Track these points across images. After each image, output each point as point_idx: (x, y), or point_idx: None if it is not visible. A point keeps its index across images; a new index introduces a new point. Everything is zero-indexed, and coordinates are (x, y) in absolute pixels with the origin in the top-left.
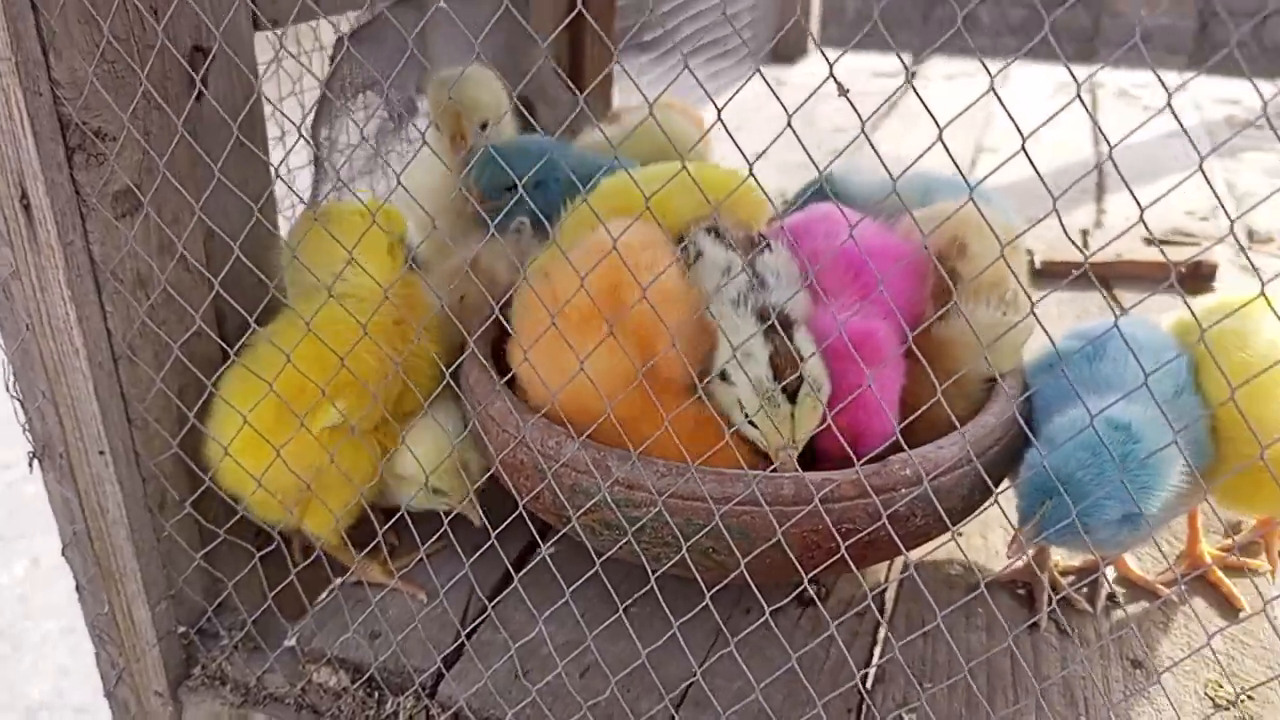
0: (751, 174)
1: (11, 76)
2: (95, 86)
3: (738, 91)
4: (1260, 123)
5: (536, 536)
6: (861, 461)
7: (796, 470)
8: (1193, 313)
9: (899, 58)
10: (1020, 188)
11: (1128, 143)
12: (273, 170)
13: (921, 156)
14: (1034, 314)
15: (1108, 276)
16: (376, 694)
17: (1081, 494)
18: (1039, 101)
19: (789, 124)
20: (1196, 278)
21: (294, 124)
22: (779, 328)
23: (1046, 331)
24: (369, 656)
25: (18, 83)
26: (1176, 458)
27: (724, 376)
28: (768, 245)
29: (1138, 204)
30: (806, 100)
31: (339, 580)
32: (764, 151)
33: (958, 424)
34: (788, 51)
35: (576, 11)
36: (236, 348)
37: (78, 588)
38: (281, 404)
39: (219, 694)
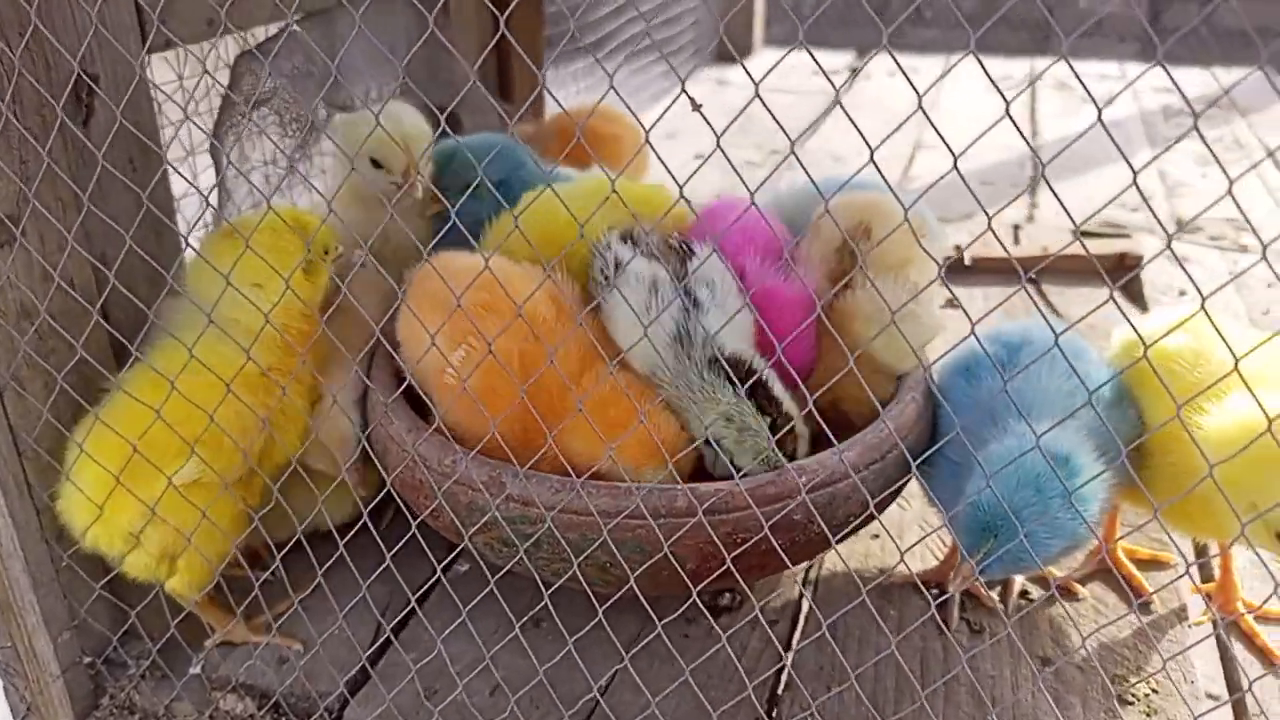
0: (682, 196)
1: None
2: None
3: (665, 111)
4: (1197, 111)
5: (433, 559)
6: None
7: None
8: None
9: (855, 53)
10: (954, 185)
11: (1062, 135)
12: (142, 199)
13: (855, 175)
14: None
15: (1036, 271)
16: (283, 719)
17: (1013, 531)
18: (979, 94)
19: (718, 144)
20: (1122, 269)
21: (160, 152)
22: (757, 388)
23: (970, 335)
24: (275, 683)
25: None
26: (1105, 480)
27: (708, 442)
28: (690, 251)
29: (1071, 218)
30: (737, 116)
31: (208, 642)
32: (691, 175)
33: (868, 411)
34: (734, 50)
35: (500, 34)
36: (97, 398)
37: None
38: (135, 458)
39: None
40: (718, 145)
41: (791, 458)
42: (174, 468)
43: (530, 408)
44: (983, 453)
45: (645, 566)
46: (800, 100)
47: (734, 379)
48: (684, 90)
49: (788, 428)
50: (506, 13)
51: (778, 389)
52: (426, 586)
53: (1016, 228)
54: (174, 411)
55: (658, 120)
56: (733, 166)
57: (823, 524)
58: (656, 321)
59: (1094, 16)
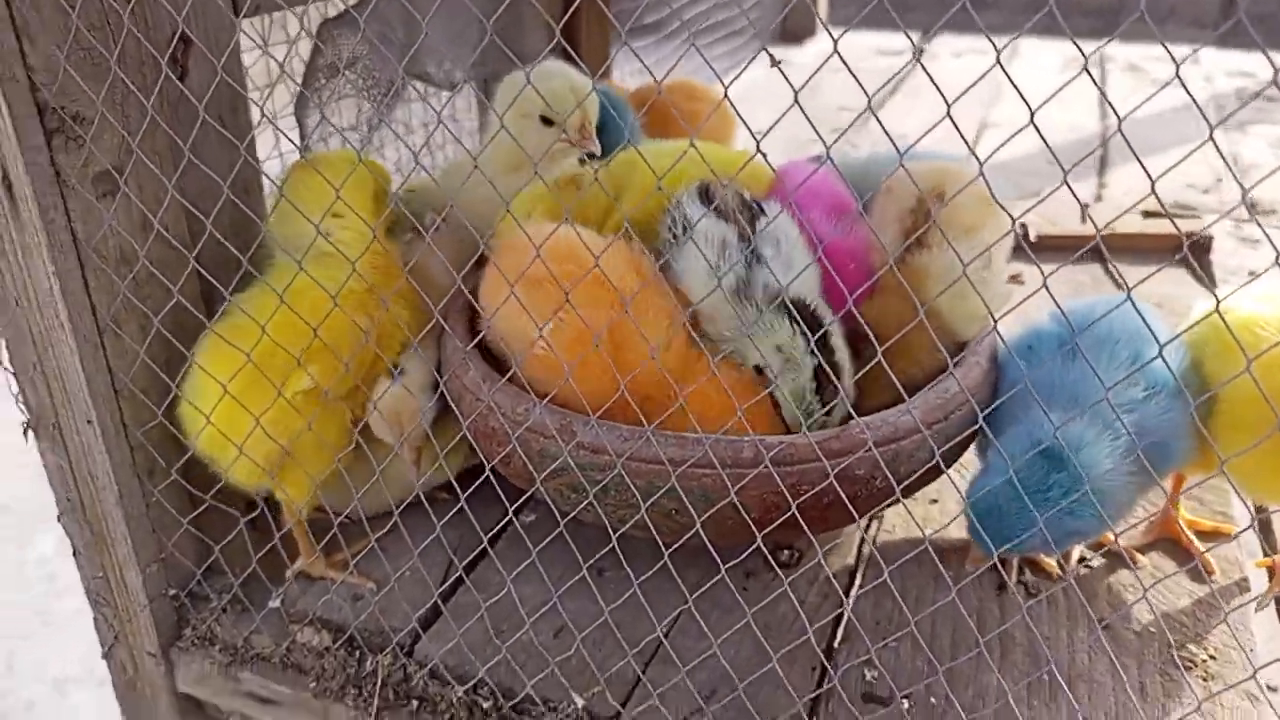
0: (759, 151)
1: None
2: (70, 73)
3: (741, 71)
4: (1269, 94)
5: (506, 503)
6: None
7: None
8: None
9: (906, 36)
10: (1024, 164)
11: (1134, 116)
12: (243, 153)
13: (927, 133)
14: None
15: (1105, 250)
16: (357, 653)
17: (1009, 526)
18: (1047, 76)
19: (795, 100)
20: (1193, 249)
21: (266, 115)
22: (810, 336)
23: (1052, 298)
24: (349, 617)
25: None
26: (1121, 480)
27: (759, 370)
28: (761, 209)
29: (1148, 176)
30: (810, 78)
31: (289, 572)
32: (770, 128)
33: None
34: (795, 32)
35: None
36: (215, 318)
37: (74, 553)
38: (254, 370)
39: (209, 654)
40: (795, 102)
41: (829, 411)
42: (291, 380)
43: (627, 394)
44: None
45: (710, 514)
46: (866, 78)
47: (796, 318)
48: (765, 50)
49: (832, 384)
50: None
51: (838, 342)
52: (495, 531)
53: (1085, 207)
54: (281, 329)
55: (736, 77)
56: (810, 124)
57: (890, 477)
58: (724, 276)
59: (1166, 3)
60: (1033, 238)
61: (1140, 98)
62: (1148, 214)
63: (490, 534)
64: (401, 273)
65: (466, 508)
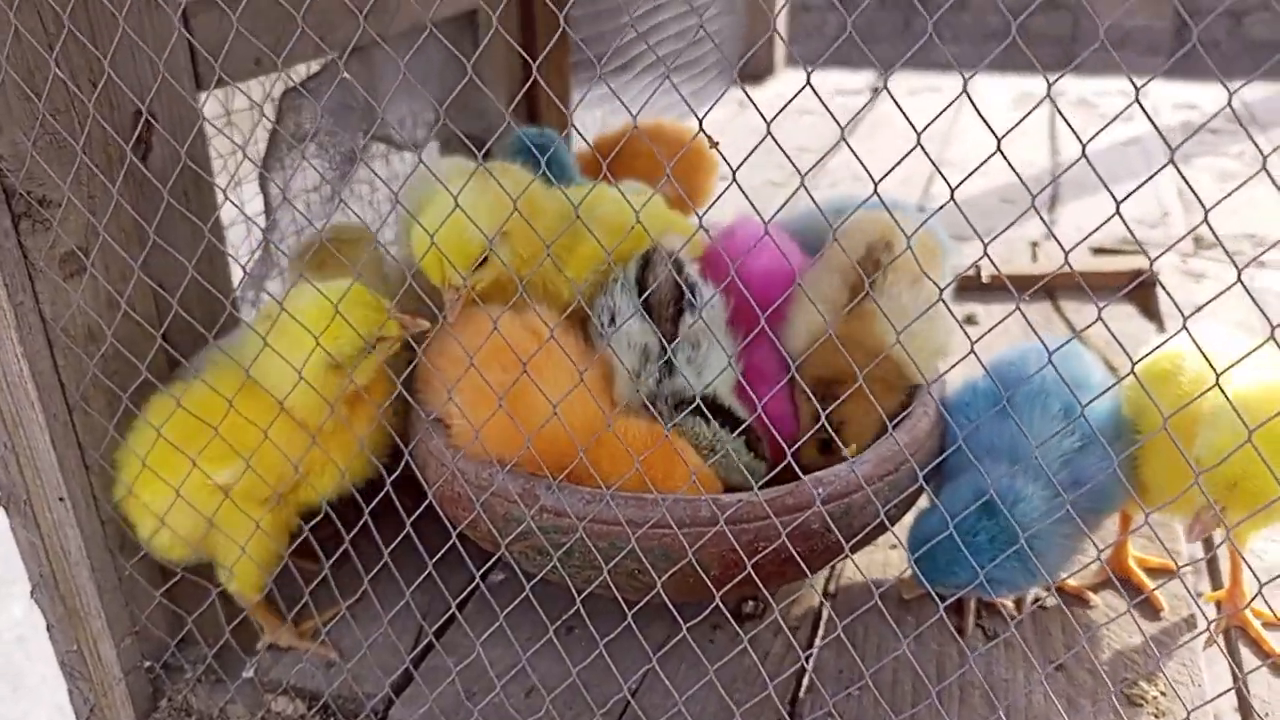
0: (702, 225)
1: None
2: (36, 158)
3: (712, 106)
4: (1213, 126)
5: (472, 567)
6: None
7: None
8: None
9: (878, 69)
10: (978, 203)
11: (1083, 149)
12: (206, 231)
13: (866, 201)
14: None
15: (1053, 287)
16: None
17: (939, 565)
18: (999, 112)
19: (768, 132)
20: (1140, 285)
21: (220, 188)
22: (713, 409)
23: (979, 360)
24: (323, 685)
25: None
26: (1053, 530)
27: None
28: (693, 292)
29: (1116, 204)
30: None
31: (259, 644)
32: (745, 159)
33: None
34: (755, 72)
35: (533, 69)
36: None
37: (48, 627)
38: (174, 445)
39: None
40: (734, 179)
41: (763, 457)
42: (213, 469)
43: (534, 452)
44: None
45: (671, 573)
46: (822, 120)
47: (707, 416)
48: (701, 129)
49: (742, 428)
50: (538, 61)
51: (730, 402)
52: (465, 594)
53: (1034, 245)
54: (214, 416)
55: (708, 110)
56: (746, 196)
57: (838, 533)
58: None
59: (1120, 33)
60: (984, 279)
61: (1091, 132)
62: (1097, 250)
63: (457, 598)
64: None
65: (435, 574)
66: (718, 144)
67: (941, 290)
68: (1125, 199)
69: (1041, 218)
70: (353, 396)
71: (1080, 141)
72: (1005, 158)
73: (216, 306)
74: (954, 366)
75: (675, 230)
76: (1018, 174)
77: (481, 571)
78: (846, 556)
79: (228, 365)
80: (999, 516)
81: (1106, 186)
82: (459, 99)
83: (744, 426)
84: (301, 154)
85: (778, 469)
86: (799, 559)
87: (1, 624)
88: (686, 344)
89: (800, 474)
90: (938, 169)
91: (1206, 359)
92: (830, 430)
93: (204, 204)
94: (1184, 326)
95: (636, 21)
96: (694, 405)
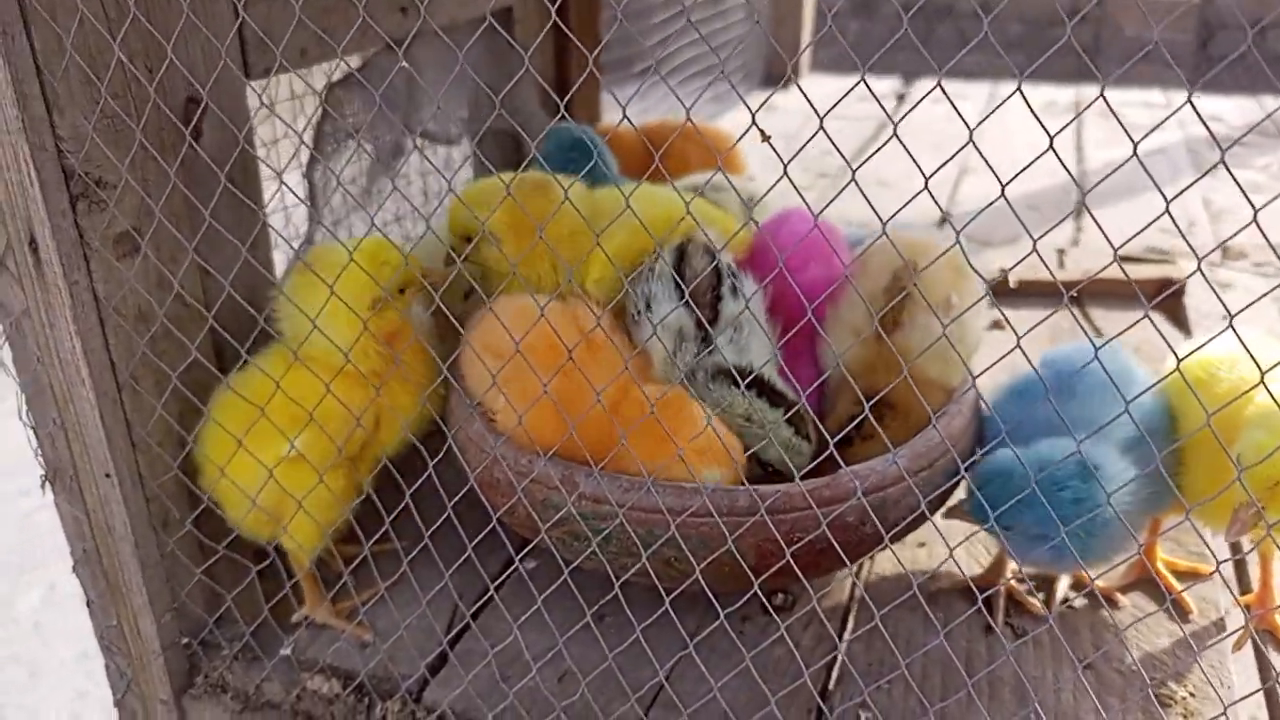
0: (751, 218)
1: (19, 134)
2: (95, 140)
3: (756, 109)
4: (1245, 141)
5: (511, 550)
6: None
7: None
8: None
9: (904, 78)
10: (1000, 208)
11: (1108, 160)
12: (262, 214)
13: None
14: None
15: (1081, 294)
16: (366, 700)
17: (1009, 496)
18: (1024, 120)
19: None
20: (1169, 295)
21: (277, 173)
22: (760, 387)
23: (1024, 355)
24: (359, 664)
25: (24, 139)
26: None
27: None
28: (735, 281)
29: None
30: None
31: (295, 616)
32: (795, 155)
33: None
34: (780, 76)
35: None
36: (231, 372)
37: (88, 602)
38: (257, 427)
39: (220, 702)
40: (785, 174)
41: (808, 438)
42: (280, 443)
43: (578, 440)
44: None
45: (708, 561)
46: (848, 125)
47: (741, 388)
48: (754, 123)
49: (795, 408)
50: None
51: (777, 382)
52: (504, 576)
53: (1061, 252)
54: (279, 396)
55: (755, 113)
56: (799, 192)
57: (878, 523)
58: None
59: (1141, 44)
60: (1012, 284)
61: (1116, 144)
62: (1124, 259)
63: (496, 582)
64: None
65: (474, 557)
66: (769, 137)
67: (951, 316)
68: (1174, 199)
69: (1097, 219)
70: (396, 337)
71: (1132, 141)
72: (1059, 159)
73: (261, 290)
74: (998, 362)
75: (719, 226)
76: (1075, 177)
77: (520, 556)
78: (883, 548)
79: (281, 346)
80: (1091, 484)
81: (1158, 188)
82: (493, 93)
83: (788, 404)
84: (356, 145)
85: (820, 458)
86: (837, 549)
87: (20, 611)
88: (728, 327)
89: (842, 463)
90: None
91: (1253, 358)
92: (873, 424)
93: (250, 192)
94: (1229, 325)
95: (660, 26)
96: (729, 375)
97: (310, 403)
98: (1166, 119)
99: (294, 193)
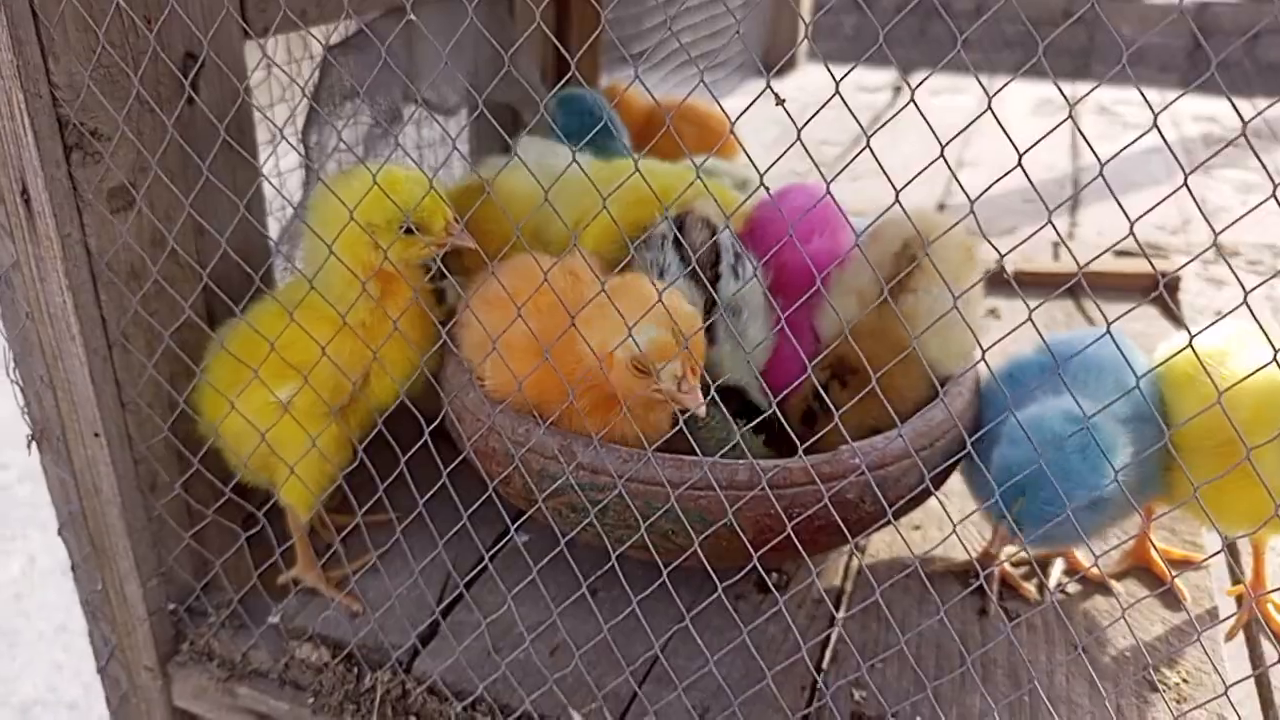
0: (763, 183)
1: (13, 79)
2: (91, 89)
3: (754, 101)
4: (1238, 142)
5: (508, 520)
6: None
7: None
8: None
9: (901, 74)
10: (1000, 201)
11: (1104, 157)
12: (260, 171)
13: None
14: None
15: (1075, 287)
16: (355, 669)
17: (1049, 488)
18: (1020, 118)
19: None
20: (1164, 289)
21: (278, 129)
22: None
23: (1035, 328)
24: (349, 634)
25: (19, 85)
26: (1126, 448)
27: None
28: (737, 261)
29: (1128, 219)
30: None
31: (281, 578)
32: (775, 161)
33: (894, 420)
34: (776, 65)
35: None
36: (231, 322)
37: (73, 567)
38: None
39: (206, 669)
40: (798, 137)
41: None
42: (277, 387)
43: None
44: (1007, 423)
45: (706, 535)
46: (843, 115)
47: (725, 412)
48: (769, 87)
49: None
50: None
51: (750, 390)
52: (498, 546)
53: (1055, 244)
54: (285, 343)
55: (745, 109)
56: (810, 157)
57: (881, 499)
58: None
59: (1135, 45)
60: (1009, 274)
61: (1111, 139)
62: (1120, 253)
63: (490, 552)
64: (408, 301)
65: (470, 526)
66: (783, 101)
67: (955, 296)
68: (1174, 192)
69: (1127, 211)
70: (390, 293)
71: (1099, 160)
72: (1025, 172)
73: (256, 249)
74: (1009, 335)
75: (722, 200)
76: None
77: (516, 525)
78: (882, 526)
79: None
80: (1077, 421)
81: (1119, 203)
82: (494, 64)
83: (759, 419)
84: (352, 109)
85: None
86: (839, 524)
87: None
88: (728, 310)
89: (795, 438)
90: (955, 178)
91: (1267, 336)
92: (826, 402)
93: (249, 149)
94: (1244, 302)
95: (659, 11)
96: (711, 397)
97: (302, 349)
98: (1159, 114)
99: (290, 142)
